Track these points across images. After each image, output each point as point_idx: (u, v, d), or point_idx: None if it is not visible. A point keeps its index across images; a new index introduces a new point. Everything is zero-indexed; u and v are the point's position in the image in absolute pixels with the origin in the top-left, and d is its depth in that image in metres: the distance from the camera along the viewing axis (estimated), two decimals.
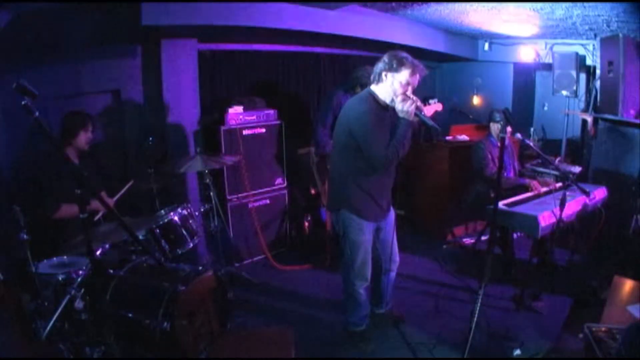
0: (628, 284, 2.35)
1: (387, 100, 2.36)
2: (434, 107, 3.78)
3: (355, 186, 2.42)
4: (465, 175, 4.08)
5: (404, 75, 2.29)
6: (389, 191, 2.57)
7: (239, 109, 3.80)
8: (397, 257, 2.76)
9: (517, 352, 2.56)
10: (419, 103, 2.32)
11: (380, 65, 2.35)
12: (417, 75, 2.32)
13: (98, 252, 2.42)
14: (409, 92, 2.32)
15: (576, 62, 4.58)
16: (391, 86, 2.32)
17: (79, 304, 2.16)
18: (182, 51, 3.70)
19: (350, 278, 2.62)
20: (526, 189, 3.61)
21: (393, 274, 2.82)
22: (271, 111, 4.02)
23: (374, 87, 2.40)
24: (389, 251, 2.69)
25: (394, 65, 2.29)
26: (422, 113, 2.36)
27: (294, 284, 3.58)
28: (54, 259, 2.36)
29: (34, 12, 2.91)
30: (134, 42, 3.61)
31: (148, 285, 2.34)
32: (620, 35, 3.85)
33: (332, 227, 3.99)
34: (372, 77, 2.39)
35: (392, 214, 2.68)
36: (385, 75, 2.32)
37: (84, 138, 2.85)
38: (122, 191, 3.06)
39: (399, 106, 2.31)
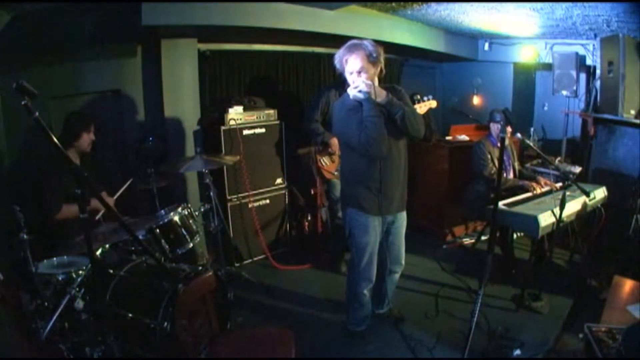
0: (628, 284, 2.35)
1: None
2: (428, 104, 3.79)
3: (357, 180, 2.45)
4: (465, 175, 4.08)
5: (346, 70, 2.33)
6: (397, 186, 2.50)
7: (239, 109, 3.80)
8: (402, 260, 2.76)
9: (517, 352, 2.56)
10: (361, 85, 2.26)
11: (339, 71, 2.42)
12: (347, 60, 2.31)
13: (98, 252, 2.43)
14: (354, 78, 2.31)
15: (576, 62, 4.58)
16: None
17: (79, 304, 2.16)
18: (182, 51, 3.71)
19: (355, 279, 2.63)
20: (526, 190, 3.60)
21: (397, 276, 2.83)
22: (271, 111, 4.02)
23: None
24: (395, 253, 2.69)
25: (337, 68, 2.39)
26: (359, 91, 2.27)
27: (294, 284, 3.58)
28: (54, 259, 2.36)
29: (34, 12, 2.91)
30: (134, 42, 3.61)
31: (148, 285, 2.34)
32: (620, 35, 3.85)
33: (326, 226, 4.03)
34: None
35: (403, 217, 2.65)
36: (343, 76, 2.41)
37: (86, 140, 2.85)
38: (122, 190, 3.07)
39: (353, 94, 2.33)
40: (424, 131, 2.47)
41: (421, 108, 3.71)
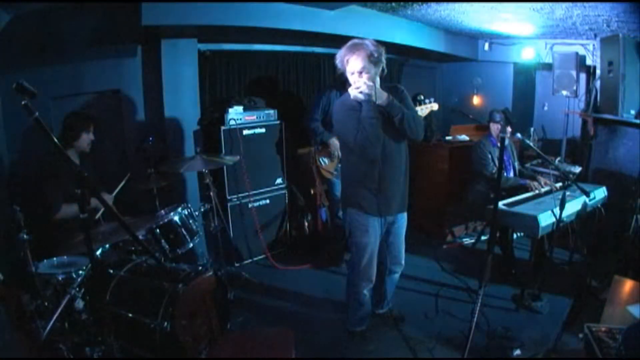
0: (628, 284, 2.35)
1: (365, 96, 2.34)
2: (429, 106, 3.79)
3: (357, 180, 2.45)
4: (465, 175, 4.08)
5: (347, 70, 2.31)
6: (397, 187, 2.49)
7: (239, 109, 3.80)
8: (402, 261, 2.76)
9: (517, 352, 2.56)
10: (362, 87, 2.24)
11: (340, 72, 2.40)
12: (348, 60, 2.27)
13: (98, 252, 2.43)
14: (355, 78, 2.29)
15: (576, 62, 4.58)
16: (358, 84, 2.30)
17: (79, 304, 2.16)
18: (182, 51, 3.71)
19: (355, 279, 2.64)
20: (526, 189, 3.60)
21: (397, 276, 2.83)
22: (271, 111, 4.01)
23: None
24: (395, 253, 2.69)
25: (338, 68, 2.35)
26: (362, 92, 2.26)
27: (294, 284, 3.58)
28: (54, 259, 2.36)
29: (34, 12, 2.91)
30: (134, 42, 3.61)
31: (148, 285, 2.34)
32: (620, 35, 3.85)
33: (326, 226, 4.04)
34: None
35: (404, 218, 2.65)
36: (344, 76, 2.39)
37: (86, 140, 2.85)
38: (120, 185, 3.08)
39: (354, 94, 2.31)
40: (423, 134, 2.46)
41: (422, 111, 3.71)
